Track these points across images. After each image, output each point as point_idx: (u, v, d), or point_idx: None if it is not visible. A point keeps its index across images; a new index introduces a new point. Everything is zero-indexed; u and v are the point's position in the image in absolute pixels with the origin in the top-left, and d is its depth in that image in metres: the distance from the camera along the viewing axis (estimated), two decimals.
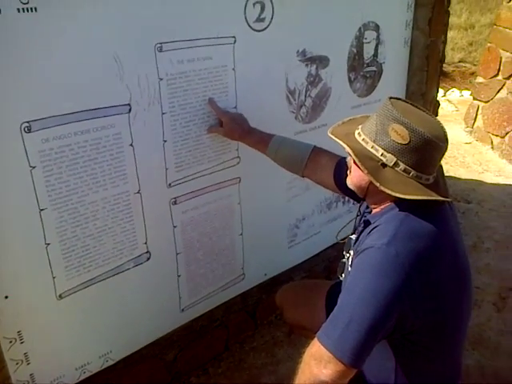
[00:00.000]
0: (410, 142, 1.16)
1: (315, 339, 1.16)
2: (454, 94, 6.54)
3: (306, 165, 1.64)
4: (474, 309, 2.48)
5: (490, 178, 4.19)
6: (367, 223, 1.32)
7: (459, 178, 4.13)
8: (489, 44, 4.60)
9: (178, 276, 1.86)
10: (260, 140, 1.71)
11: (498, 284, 2.78)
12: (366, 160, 1.20)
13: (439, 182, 1.27)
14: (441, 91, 6.34)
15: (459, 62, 7.92)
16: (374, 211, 1.32)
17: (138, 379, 1.86)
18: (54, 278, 1.50)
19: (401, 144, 1.17)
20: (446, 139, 1.21)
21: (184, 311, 1.94)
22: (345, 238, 1.47)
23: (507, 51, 4.35)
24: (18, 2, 1.20)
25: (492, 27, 4.62)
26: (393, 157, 1.18)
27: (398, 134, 1.16)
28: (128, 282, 1.70)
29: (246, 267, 2.12)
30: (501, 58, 4.42)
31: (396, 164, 1.18)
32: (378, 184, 1.18)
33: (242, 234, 2.05)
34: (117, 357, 1.77)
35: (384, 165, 1.20)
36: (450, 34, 8.30)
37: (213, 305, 2.05)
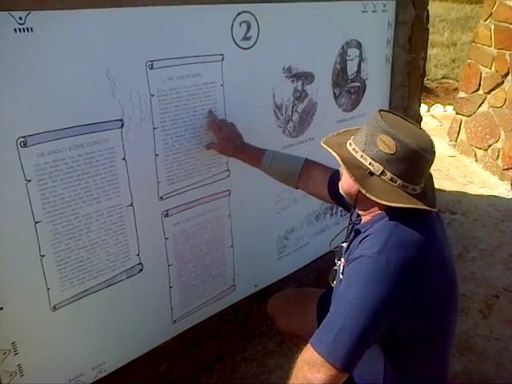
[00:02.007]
0: (396, 152, 1.21)
1: (308, 345, 1.19)
2: (437, 109, 6.68)
3: (299, 177, 1.71)
4: (461, 316, 2.55)
5: (474, 189, 4.28)
6: (358, 232, 1.37)
7: (444, 190, 4.22)
8: (469, 60, 4.75)
9: (170, 287, 1.89)
10: (253, 155, 1.78)
11: (484, 291, 2.84)
12: (355, 168, 1.26)
13: (427, 192, 1.32)
14: (425, 107, 6.49)
15: (442, 78, 8.10)
16: (363, 220, 1.37)
17: None
18: (48, 289, 1.53)
19: (388, 154, 1.22)
20: (433, 151, 1.26)
21: (176, 322, 1.97)
22: (337, 246, 1.52)
23: (486, 67, 4.49)
24: (15, 22, 1.26)
25: (471, 44, 4.77)
26: (380, 166, 1.24)
27: (386, 145, 1.22)
28: (121, 293, 1.73)
29: (236, 279, 2.16)
30: (481, 73, 4.56)
31: (383, 173, 1.24)
32: (364, 191, 1.23)
33: (232, 246, 2.09)
34: (110, 368, 1.79)
35: (371, 173, 1.25)
36: (432, 51, 8.52)
37: (204, 316, 2.08)
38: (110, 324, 1.74)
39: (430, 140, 1.28)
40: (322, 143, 1.37)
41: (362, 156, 1.27)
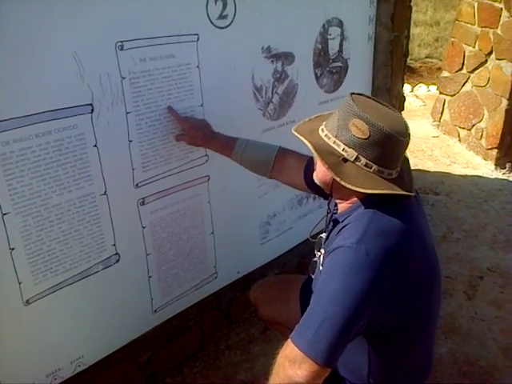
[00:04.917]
0: (369, 136, 1.16)
1: (289, 340, 1.16)
2: (421, 89, 6.65)
3: (272, 167, 1.64)
4: (445, 297, 2.55)
5: (457, 169, 4.28)
6: (336, 222, 1.32)
7: (428, 171, 4.21)
8: (452, 39, 4.70)
9: (149, 277, 1.85)
10: (224, 145, 1.71)
11: (468, 272, 2.84)
12: (327, 155, 1.21)
13: (403, 176, 1.28)
14: (408, 87, 6.45)
15: (426, 57, 8.06)
16: (341, 209, 1.32)
17: (111, 383, 1.83)
18: (20, 283, 1.47)
19: (361, 139, 1.17)
20: (408, 133, 1.22)
21: (157, 312, 1.93)
22: (315, 236, 1.48)
23: (469, 45, 4.45)
24: None
25: (454, 22, 4.72)
26: (354, 151, 1.19)
27: (358, 129, 1.17)
28: (97, 285, 1.68)
29: (218, 266, 2.12)
30: (464, 52, 4.52)
31: (357, 159, 1.19)
32: (338, 179, 1.18)
33: (213, 233, 2.05)
34: (89, 361, 1.75)
35: (345, 160, 1.20)
36: (416, 30, 8.47)
37: (186, 305, 2.04)
38: (87, 316, 1.69)
39: (404, 122, 1.23)
40: (292, 131, 1.31)
41: (334, 142, 1.21)
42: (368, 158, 1.18)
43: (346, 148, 1.19)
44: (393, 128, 1.17)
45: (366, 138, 1.17)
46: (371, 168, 1.19)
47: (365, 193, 1.19)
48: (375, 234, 1.15)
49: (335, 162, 1.20)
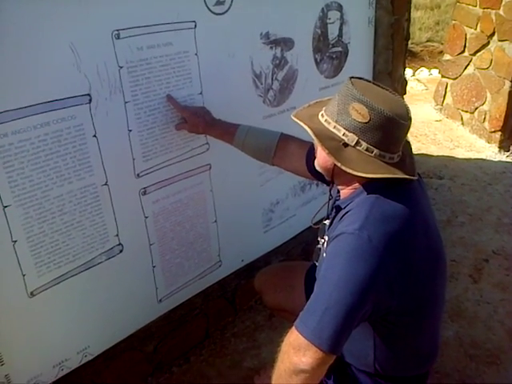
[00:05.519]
0: (370, 120, 1.15)
1: (293, 328, 1.15)
2: (422, 73, 6.61)
3: (274, 153, 1.63)
4: (451, 281, 2.55)
5: (461, 153, 4.25)
6: (338, 208, 1.31)
7: (431, 155, 4.18)
8: (453, 21, 4.64)
9: (153, 267, 1.84)
10: (225, 131, 1.69)
11: (473, 256, 2.84)
12: (327, 140, 1.19)
13: (405, 160, 1.26)
14: (410, 71, 6.41)
15: (427, 41, 7.99)
16: (343, 195, 1.31)
17: (118, 373, 1.85)
18: (23, 275, 1.47)
19: (361, 123, 1.16)
20: (409, 117, 1.20)
21: (162, 302, 1.93)
22: (318, 223, 1.47)
23: (471, 27, 4.40)
24: None
25: (455, 4, 4.66)
26: (354, 136, 1.17)
27: (359, 113, 1.16)
28: (101, 275, 1.68)
29: (222, 254, 2.12)
30: (465, 34, 4.47)
31: (358, 143, 1.17)
32: (339, 164, 1.17)
33: (216, 221, 2.04)
34: (95, 352, 1.75)
35: (346, 144, 1.19)
36: (416, 14, 8.38)
37: (191, 294, 2.04)
38: (92, 307, 1.69)
39: (405, 105, 1.22)
40: (292, 117, 1.29)
41: (334, 127, 1.20)
42: (369, 142, 1.17)
43: (347, 132, 1.18)
44: (393, 111, 1.15)
45: (366, 121, 1.15)
46: (372, 152, 1.18)
47: (366, 178, 1.18)
48: (377, 219, 1.14)
49: (336, 146, 1.18)
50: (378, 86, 1.26)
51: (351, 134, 1.17)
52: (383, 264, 1.11)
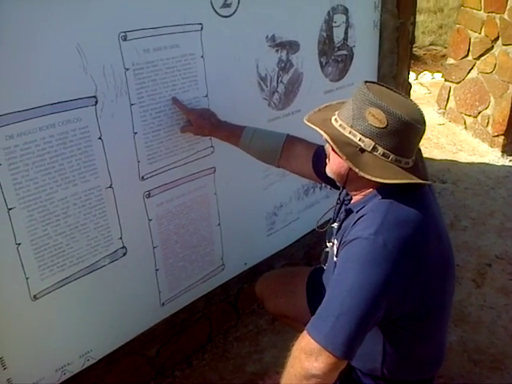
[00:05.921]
0: (387, 125, 1.14)
1: (304, 332, 1.14)
2: (425, 76, 6.59)
3: (280, 155, 1.61)
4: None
5: (464, 157, 4.24)
6: (349, 212, 1.30)
7: (434, 159, 4.17)
8: (457, 25, 4.63)
9: (157, 270, 1.83)
10: (231, 133, 1.68)
11: (477, 260, 2.83)
12: (344, 146, 1.18)
13: (418, 165, 1.26)
14: (413, 75, 6.39)
15: (430, 45, 7.99)
16: (354, 199, 1.30)
17: (120, 377, 1.83)
18: (27, 278, 1.46)
19: (378, 128, 1.15)
20: (424, 121, 1.19)
21: (164, 305, 1.92)
22: (322, 226, 1.45)
23: (475, 32, 4.39)
24: None
25: (460, 8, 4.65)
26: (371, 141, 1.16)
27: (376, 118, 1.14)
28: (105, 278, 1.66)
29: (225, 258, 2.10)
30: (470, 38, 4.46)
31: (374, 148, 1.16)
32: (357, 170, 1.16)
33: (219, 225, 2.03)
34: (98, 355, 1.74)
35: (362, 150, 1.17)
36: (419, 17, 8.37)
37: (194, 297, 2.03)
38: (95, 310, 1.68)
39: (419, 109, 1.21)
40: (305, 121, 1.28)
41: (350, 132, 1.18)
42: (385, 147, 1.16)
43: (363, 138, 1.17)
44: (410, 116, 1.15)
45: (383, 126, 1.14)
46: (389, 157, 1.17)
47: (382, 183, 1.17)
48: (392, 224, 1.13)
49: (352, 152, 1.17)
50: (392, 90, 1.25)
51: (368, 139, 1.16)
52: (397, 269, 1.10)
